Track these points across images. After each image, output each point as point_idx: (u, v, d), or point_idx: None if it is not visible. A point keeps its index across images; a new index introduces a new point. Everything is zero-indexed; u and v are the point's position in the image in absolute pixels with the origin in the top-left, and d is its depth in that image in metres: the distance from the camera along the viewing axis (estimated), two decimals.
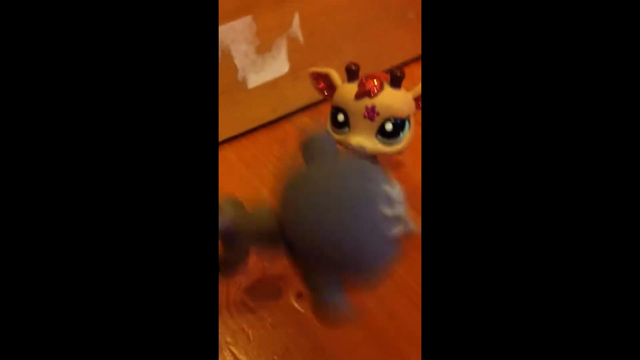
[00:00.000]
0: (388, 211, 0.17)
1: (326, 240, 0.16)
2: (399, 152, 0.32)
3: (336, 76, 0.32)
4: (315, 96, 0.34)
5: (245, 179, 0.40)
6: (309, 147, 0.21)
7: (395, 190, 0.18)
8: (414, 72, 0.49)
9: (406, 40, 0.49)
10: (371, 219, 0.16)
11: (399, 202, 0.17)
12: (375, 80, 0.30)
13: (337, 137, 0.32)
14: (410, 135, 0.31)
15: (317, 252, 0.16)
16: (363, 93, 0.30)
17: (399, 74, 0.30)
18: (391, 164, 0.39)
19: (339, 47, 0.44)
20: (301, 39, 0.42)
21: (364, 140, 0.31)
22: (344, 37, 0.44)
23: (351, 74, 0.31)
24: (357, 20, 0.44)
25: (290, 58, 0.42)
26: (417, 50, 0.51)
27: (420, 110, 0.31)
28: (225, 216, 0.23)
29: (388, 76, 0.30)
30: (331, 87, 0.33)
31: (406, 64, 0.50)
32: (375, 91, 0.30)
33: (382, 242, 0.16)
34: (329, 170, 0.18)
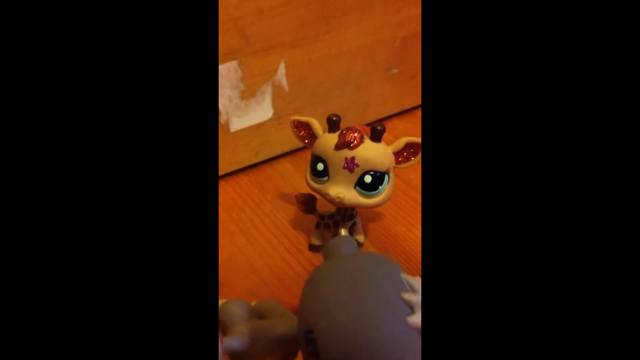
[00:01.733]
0: (413, 298, 0.16)
1: (359, 335, 0.15)
2: (378, 205, 0.31)
3: (317, 125, 0.32)
4: (298, 143, 0.34)
5: (223, 223, 0.39)
6: (331, 248, 0.20)
7: (415, 278, 0.17)
8: (397, 126, 0.50)
9: (390, 95, 0.50)
10: (398, 307, 0.16)
11: (419, 290, 0.17)
12: (355, 132, 0.30)
13: (316, 186, 0.32)
14: (390, 188, 0.31)
15: (350, 349, 0.15)
16: (343, 144, 0.30)
17: (379, 128, 0.30)
18: (370, 216, 0.39)
19: (323, 97, 0.45)
20: (286, 86, 0.42)
21: (343, 190, 0.30)
22: (328, 87, 0.45)
23: (332, 124, 0.31)
24: (343, 72, 0.45)
25: (275, 104, 0.42)
26: (401, 104, 0.52)
27: (399, 165, 0.31)
28: (239, 333, 0.21)
29: (369, 129, 0.31)
30: (312, 135, 0.33)
31: (389, 117, 0.51)
32: (356, 143, 0.30)
33: (410, 331, 0.16)
34: (351, 265, 0.18)
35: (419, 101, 0.52)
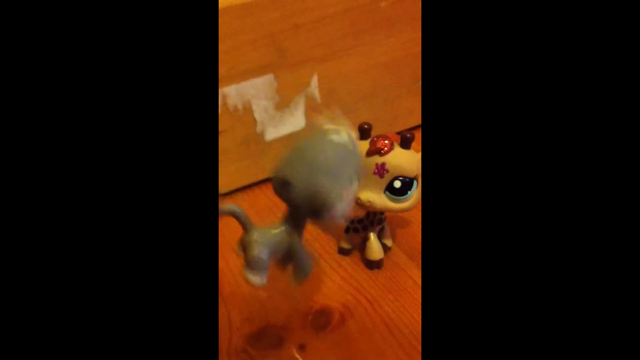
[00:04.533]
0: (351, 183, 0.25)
1: (310, 192, 0.24)
2: (406, 210, 0.33)
3: None
4: None
5: None
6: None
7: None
8: None
9: (417, 107, 0.51)
10: (340, 185, 0.24)
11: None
12: (386, 140, 0.31)
13: None
14: (418, 194, 0.32)
15: (304, 200, 0.24)
16: (374, 151, 0.31)
17: (408, 136, 0.32)
18: (398, 221, 0.40)
19: (353, 108, 0.47)
20: (318, 98, 0.44)
21: (373, 195, 0.32)
22: (358, 99, 0.46)
23: (363, 132, 0.33)
24: (372, 84, 0.46)
25: (308, 115, 0.44)
26: None
27: None
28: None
29: (399, 137, 0.32)
30: None
31: (416, 128, 0.53)
32: (386, 149, 0.31)
33: (345, 200, 0.24)
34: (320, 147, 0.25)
35: None
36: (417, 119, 0.52)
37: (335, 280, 0.35)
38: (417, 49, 0.47)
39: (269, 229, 0.26)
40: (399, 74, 0.48)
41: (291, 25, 0.39)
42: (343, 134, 0.25)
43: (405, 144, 0.32)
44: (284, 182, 0.24)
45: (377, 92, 0.47)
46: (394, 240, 0.38)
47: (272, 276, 0.35)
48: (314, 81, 0.43)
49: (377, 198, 0.32)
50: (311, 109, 0.44)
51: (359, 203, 0.32)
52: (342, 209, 0.24)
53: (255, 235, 0.26)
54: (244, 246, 0.26)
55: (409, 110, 0.51)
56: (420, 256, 0.37)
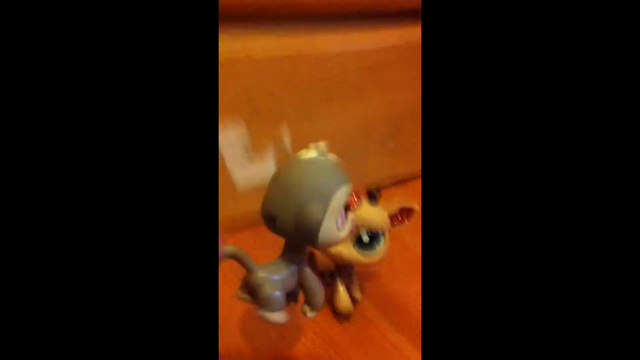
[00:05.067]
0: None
1: (295, 217, 0.23)
2: (374, 264, 0.34)
3: None
4: None
5: (225, 278, 0.41)
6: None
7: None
8: (394, 193, 0.54)
9: (386, 166, 0.54)
10: (322, 197, 0.23)
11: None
12: (355, 197, 0.34)
13: None
14: (385, 248, 0.34)
15: (293, 228, 0.23)
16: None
17: (375, 193, 0.34)
18: (367, 276, 0.41)
19: None
20: (291, 150, 0.46)
21: (343, 248, 0.33)
22: None
23: None
24: (343, 144, 0.49)
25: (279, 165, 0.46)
26: (396, 175, 0.56)
27: (394, 227, 0.35)
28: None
29: (367, 194, 0.34)
30: None
31: (385, 186, 0.55)
32: (355, 205, 0.33)
33: (333, 211, 0.24)
34: (289, 170, 0.25)
35: (413, 172, 0.57)
36: (386, 178, 0.55)
37: (307, 334, 0.36)
38: (386, 112, 0.51)
39: (270, 264, 0.26)
40: (369, 135, 0.51)
41: (267, 92, 0.42)
42: (311, 150, 0.25)
43: (372, 199, 0.34)
44: (269, 217, 0.24)
45: (348, 151, 0.50)
46: (362, 292, 0.39)
47: (242, 326, 0.36)
48: (287, 139, 0.46)
49: (345, 251, 0.33)
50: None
51: (328, 254, 0.34)
52: (330, 225, 0.23)
53: (262, 274, 0.25)
54: (251, 288, 0.25)
55: (379, 169, 0.54)
56: (389, 309, 0.38)
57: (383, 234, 0.34)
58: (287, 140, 0.46)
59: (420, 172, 0.55)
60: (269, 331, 0.35)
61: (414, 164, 0.56)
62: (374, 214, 0.34)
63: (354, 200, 0.33)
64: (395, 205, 0.35)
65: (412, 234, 0.46)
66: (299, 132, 0.46)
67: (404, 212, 0.34)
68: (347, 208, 0.33)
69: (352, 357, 0.34)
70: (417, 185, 0.56)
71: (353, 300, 0.37)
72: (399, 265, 0.43)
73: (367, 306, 0.38)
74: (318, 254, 0.36)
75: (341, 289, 0.37)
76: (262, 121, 0.43)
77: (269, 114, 0.43)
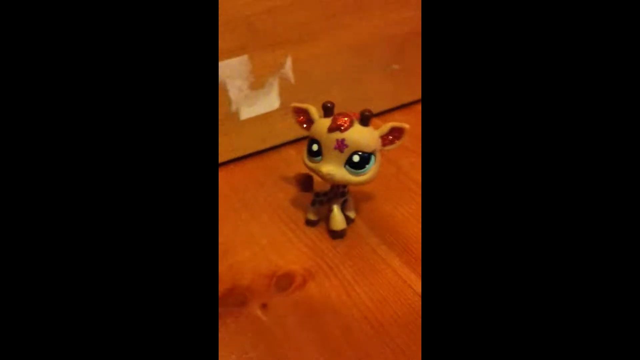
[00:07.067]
0: None
1: None
2: (364, 183, 0.35)
3: (314, 111, 0.36)
4: (302, 132, 0.37)
5: (230, 201, 0.43)
6: None
7: None
8: (395, 118, 0.54)
9: (389, 89, 0.54)
10: None
11: None
12: (346, 117, 0.34)
13: (311, 165, 0.36)
14: (376, 168, 0.35)
15: None
16: (335, 127, 0.34)
17: (367, 114, 0.34)
18: (362, 196, 0.43)
19: (326, 90, 0.49)
20: (292, 79, 0.46)
21: (334, 169, 0.34)
22: (331, 81, 0.49)
23: (327, 110, 0.35)
24: (344, 67, 0.49)
25: (281, 96, 0.47)
26: (399, 99, 0.55)
27: (385, 148, 0.35)
28: None
29: (359, 115, 0.35)
30: (309, 120, 0.37)
31: (388, 111, 0.55)
32: (346, 126, 0.34)
33: None
34: None
35: (416, 96, 0.56)
36: (389, 102, 0.55)
37: (300, 249, 0.38)
38: (388, 32, 0.49)
39: None
40: (371, 57, 0.50)
41: (265, 9, 0.41)
42: None
43: (364, 121, 0.34)
44: None
45: (349, 74, 0.50)
46: (357, 212, 0.41)
47: (242, 242, 0.38)
48: (288, 63, 0.45)
49: (337, 171, 0.34)
50: (285, 90, 0.47)
51: (320, 176, 0.35)
52: None
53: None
54: None
55: (381, 93, 0.53)
56: (380, 228, 0.40)
57: (374, 154, 0.34)
58: (288, 67, 0.45)
59: None
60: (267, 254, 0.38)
61: (419, 88, 0.55)
62: (365, 135, 0.34)
63: (345, 121, 0.34)
64: (387, 125, 0.35)
65: (408, 157, 0.47)
66: (300, 55, 0.45)
67: (395, 132, 0.35)
68: (338, 128, 0.34)
69: (342, 269, 0.36)
70: (420, 109, 0.55)
71: (347, 219, 0.39)
72: (393, 187, 0.44)
73: (360, 224, 0.40)
74: (316, 178, 0.37)
75: (335, 209, 0.38)
76: (261, 46, 0.43)
77: (269, 37, 0.43)
